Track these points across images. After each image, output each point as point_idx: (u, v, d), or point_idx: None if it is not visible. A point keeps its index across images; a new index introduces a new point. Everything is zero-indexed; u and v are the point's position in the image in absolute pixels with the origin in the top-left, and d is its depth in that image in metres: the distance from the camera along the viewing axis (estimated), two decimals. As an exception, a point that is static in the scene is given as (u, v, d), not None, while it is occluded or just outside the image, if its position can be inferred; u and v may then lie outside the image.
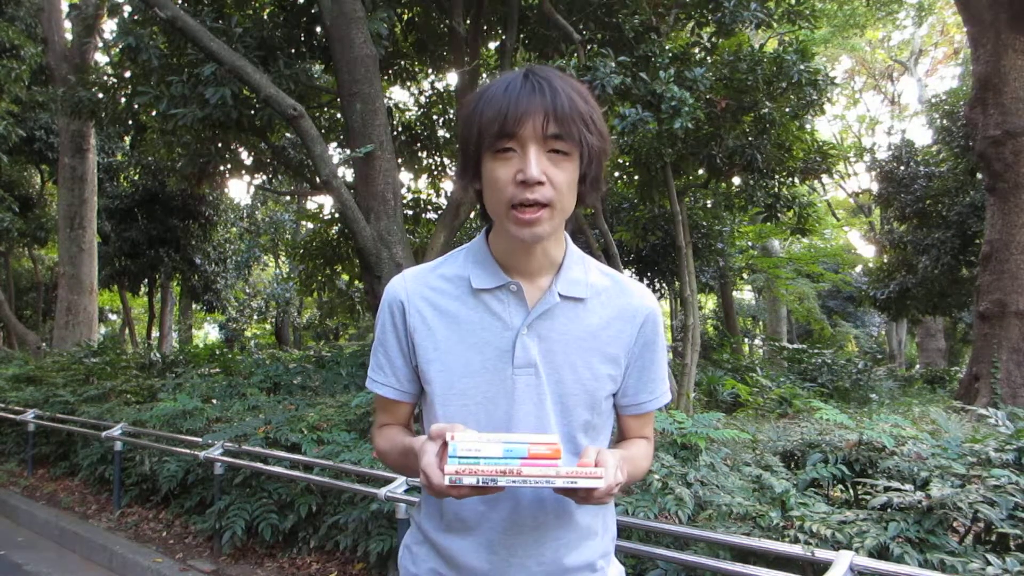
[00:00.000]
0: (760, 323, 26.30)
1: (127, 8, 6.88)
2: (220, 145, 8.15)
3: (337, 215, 8.94)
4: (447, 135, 9.67)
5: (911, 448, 2.88)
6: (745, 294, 26.71)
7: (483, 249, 1.15)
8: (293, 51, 7.25)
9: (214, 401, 5.84)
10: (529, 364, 1.09)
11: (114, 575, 4.32)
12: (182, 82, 6.07)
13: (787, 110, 6.56)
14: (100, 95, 7.87)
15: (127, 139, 13.89)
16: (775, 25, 6.85)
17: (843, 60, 23.98)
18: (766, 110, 6.32)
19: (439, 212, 9.33)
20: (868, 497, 2.59)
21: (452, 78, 9.59)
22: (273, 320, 21.79)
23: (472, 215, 7.32)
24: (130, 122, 8.44)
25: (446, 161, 9.88)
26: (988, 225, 7.75)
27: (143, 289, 17.34)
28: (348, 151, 5.94)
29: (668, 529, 2.52)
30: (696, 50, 6.92)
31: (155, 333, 18.94)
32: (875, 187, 14.14)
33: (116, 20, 6.69)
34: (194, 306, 20.43)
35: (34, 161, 15.25)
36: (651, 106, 5.62)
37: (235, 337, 22.25)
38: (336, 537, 3.77)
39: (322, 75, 8.99)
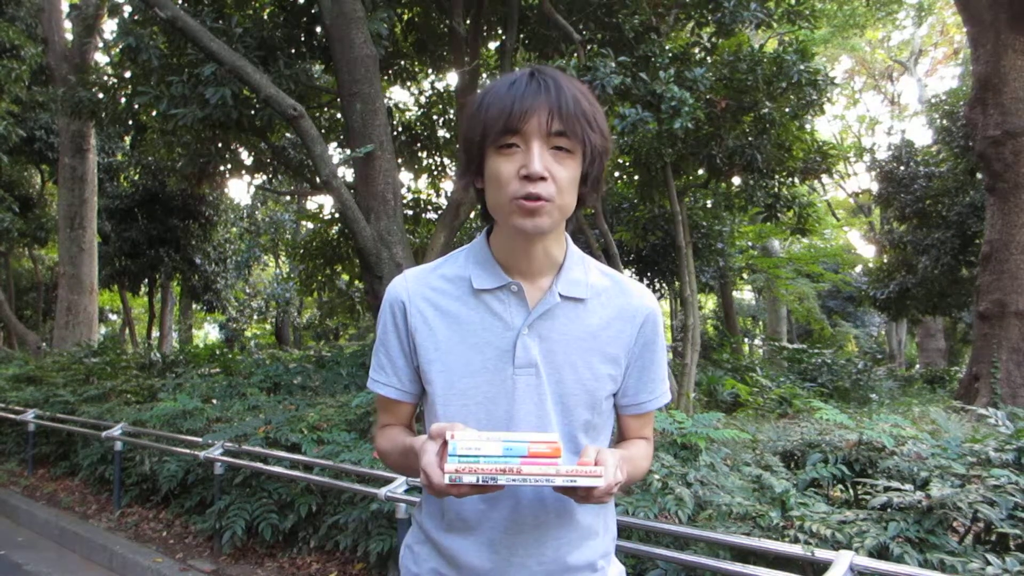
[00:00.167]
0: (760, 323, 26.32)
1: (127, 8, 6.88)
2: (220, 145, 8.16)
3: (337, 215, 8.95)
4: (447, 135, 9.67)
5: (911, 448, 2.88)
6: (745, 294, 26.71)
7: (484, 250, 1.15)
8: (293, 51, 7.25)
9: (214, 401, 5.84)
10: (530, 364, 1.09)
11: (114, 575, 4.32)
12: (182, 82, 6.07)
13: (787, 110, 6.57)
14: (100, 95, 7.87)
15: (127, 139, 13.88)
16: (775, 25, 6.85)
17: (843, 60, 23.99)
18: (766, 110, 6.32)
19: (439, 212, 9.34)
20: (868, 497, 2.59)
21: (452, 78, 9.61)
22: (273, 320, 21.79)
23: (472, 215, 7.32)
24: (130, 122, 8.44)
25: (446, 161, 9.89)
26: (988, 225, 7.75)
27: (143, 289, 17.33)
28: (348, 151, 5.93)
29: (668, 529, 2.52)
30: (696, 50, 6.92)
31: (155, 333, 18.95)
32: (875, 187, 14.14)
33: (116, 20, 6.70)
34: (194, 306, 20.44)
35: (34, 161, 15.25)
36: (651, 106, 5.62)
37: (235, 337, 22.25)
38: (336, 537, 3.77)
39: (322, 75, 8.99)
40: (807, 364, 10.27)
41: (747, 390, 7.09)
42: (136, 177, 15.46)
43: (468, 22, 7.82)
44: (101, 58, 11.96)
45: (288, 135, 8.97)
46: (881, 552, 2.20)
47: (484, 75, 8.70)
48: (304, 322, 23.65)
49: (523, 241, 1.09)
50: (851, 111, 26.25)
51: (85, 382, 7.68)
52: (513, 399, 1.09)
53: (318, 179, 6.02)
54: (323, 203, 14.43)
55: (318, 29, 7.37)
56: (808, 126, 7.57)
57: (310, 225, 13.19)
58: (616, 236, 9.69)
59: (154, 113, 6.68)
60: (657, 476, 2.78)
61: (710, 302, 24.13)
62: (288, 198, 17.33)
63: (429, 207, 10.14)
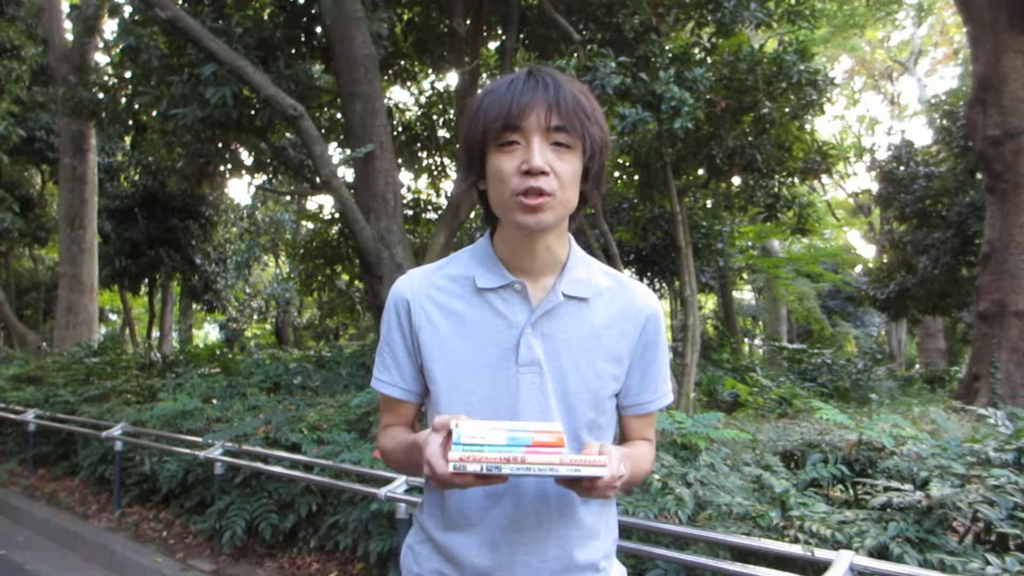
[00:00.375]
0: (760, 323, 26.29)
1: (127, 8, 6.89)
2: (220, 145, 8.16)
3: (337, 215, 8.95)
4: (447, 135, 9.67)
5: (911, 448, 2.88)
6: (745, 294, 26.70)
7: (487, 249, 1.15)
8: (293, 51, 7.25)
9: (214, 401, 5.84)
10: (533, 362, 1.10)
11: (114, 575, 4.32)
12: (182, 82, 6.07)
13: (787, 110, 6.57)
14: (100, 95, 7.88)
15: (127, 139, 13.87)
16: (775, 25, 6.86)
17: (843, 60, 23.97)
18: (766, 110, 6.33)
19: (439, 212, 9.34)
20: (868, 497, 2.59)
21: (452, 78, 9.61)
22: (273, 320, 21.81)
23: (472, 215, 7.33)
24: (130, 122, 8.44)
25: (446, 161, 9.89)
26: (988, 225, 7.76)
27: (143, 289, 17.33)
28: (348, 151, 5.94)
29: (668, 529, 2.52)
30: (696, 50, 6.92)
31: (155, 333, 18.94)
32: (875, 187, 14.14)
33: (116, 20, 6.70)
34: (194, 306, 20.44)
35: (35, 161, 15.24)
36: (651, 106, 5.62)
37: (235, 337, 22.26)
38: (336, 537, 3.77)
39: (322, 75, 8.99)
40: (807, 364, 10.28)
41: (747, 390, 7.09)
42: (136, 177, 15.45)
43: (468, 22, 7.83)
44: (101, 58, 11.96)
45: (288, 135, 8.97)
46: (881, 552, 2.20)
47: (484, 75, 8.70)
48: (304, 322, 23.64)
49: (526, 238, 1.09)
50: (851, 111, 26.35)
51: (85, 382, 7.67)
52: (517, 397, 1.09)
53: (318, 179, 6.02)
54: (323, 203, 14.45)
55: (318, 29, 7.38)
56: (808, 126, 7.57)
57: (310, 225, 13.19)
58: (616, 236, 9.69)
59: (154, 113, 6.69)
60: (657, 476, 2.78)
61: (710, 302, 24.11)
62: (288, 198, 17.31)
63: (429, 207, 10.14)
